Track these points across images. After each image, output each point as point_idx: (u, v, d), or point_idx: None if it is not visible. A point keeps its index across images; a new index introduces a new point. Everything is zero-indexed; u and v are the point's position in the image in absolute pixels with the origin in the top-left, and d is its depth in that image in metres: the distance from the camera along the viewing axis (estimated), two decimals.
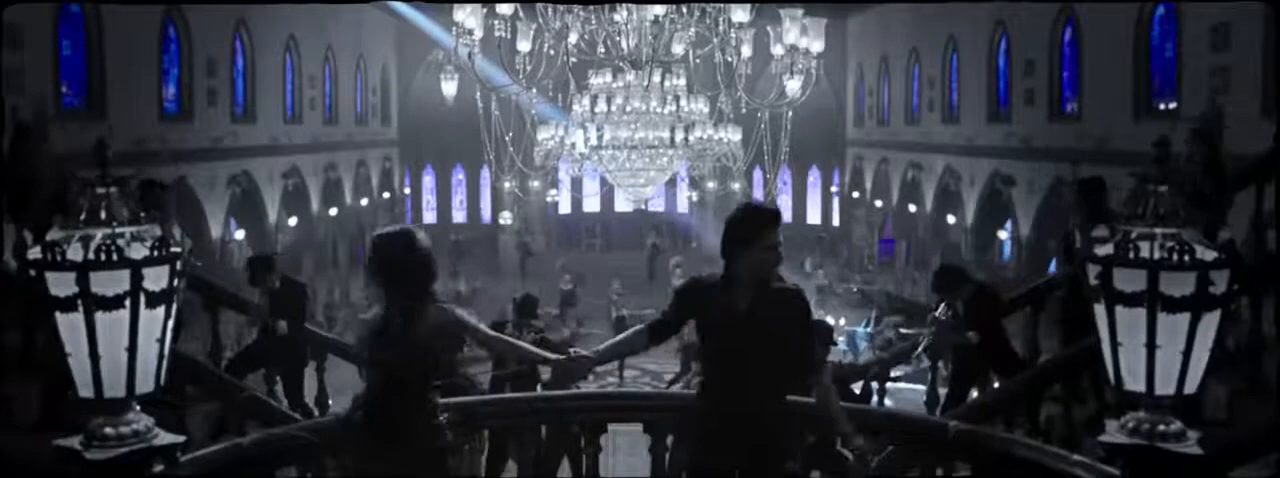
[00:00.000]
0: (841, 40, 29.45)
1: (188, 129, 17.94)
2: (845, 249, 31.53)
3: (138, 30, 16.28)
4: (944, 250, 24.84)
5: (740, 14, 9.05)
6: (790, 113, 9.55)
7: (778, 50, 8.47)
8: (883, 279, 27.56)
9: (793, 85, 9.20)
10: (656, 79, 11.09)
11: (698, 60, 10.10)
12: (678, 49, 9.39)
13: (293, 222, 22.29)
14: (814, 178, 35.32)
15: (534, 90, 9.32)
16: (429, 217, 35.24)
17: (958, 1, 19.68)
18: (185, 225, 16.03)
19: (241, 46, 20.63)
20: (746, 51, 9.24)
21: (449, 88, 15.60)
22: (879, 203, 29.11)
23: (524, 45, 8.75)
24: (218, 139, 19.03)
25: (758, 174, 31.17)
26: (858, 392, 7.98)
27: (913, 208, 26.39)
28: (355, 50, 27.54)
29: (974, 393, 8.24)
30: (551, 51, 8.91)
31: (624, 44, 8.76)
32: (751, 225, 3.85)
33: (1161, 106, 15.18)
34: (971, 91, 22.76)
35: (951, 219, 23.65)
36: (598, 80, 11.81)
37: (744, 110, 10.17)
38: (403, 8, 25.89)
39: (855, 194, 31.09)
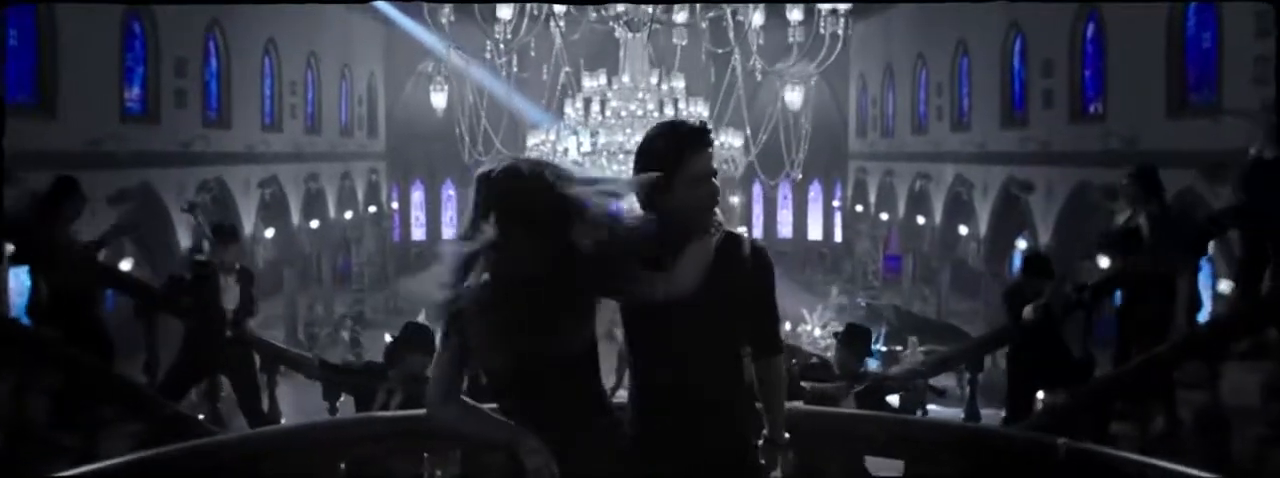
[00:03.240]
0: (843, 51, 28.51)
1: (153, 131, 16.84)
2: (848, 265, 30.57)
3: (97, 24, 15.22)
4: (952, 265, 23.87)
5: None
6: (805, 86, 8.56)
7: (795, 15, 7.47)
8: (888, 295, 26.60)
9: (792, 96, 8.46)
10: (654, 81, 10.44)
11: (706, 23, 9.06)
12: (680, 17, 8.40)
13: (269, 233, 21.19)
14: (815, 192, 34.27)
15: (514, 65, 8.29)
16: (418, 233, 34.18)
17: (972, 1, 18.70)
18: (145, 235, 15.02)
19: (215, 47, 19.58)
20: (758, 20, 8.24)
21: (439, 100, 15.33)
22: (884, 216, 28.14)
23: (505, 12, 7.73)
24: (187, 143, 17.91)
25: (756, 187, 30.30)
26: (897, 404, 6.95)
27: (921, 220, 25.42)
28: (341, 58, 26.52)
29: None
30: (535, 13, 7.88)
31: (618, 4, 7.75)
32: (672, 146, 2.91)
33: (1199, 101, 14.17)
34: (984, 96, 21.83)
35: (963, 230, 22.67)
36: (591, 82, 11.16)
37: (755, 90, 9.16)
38: (391, 12, 24.80)
39: (858, 208, 30.13)
